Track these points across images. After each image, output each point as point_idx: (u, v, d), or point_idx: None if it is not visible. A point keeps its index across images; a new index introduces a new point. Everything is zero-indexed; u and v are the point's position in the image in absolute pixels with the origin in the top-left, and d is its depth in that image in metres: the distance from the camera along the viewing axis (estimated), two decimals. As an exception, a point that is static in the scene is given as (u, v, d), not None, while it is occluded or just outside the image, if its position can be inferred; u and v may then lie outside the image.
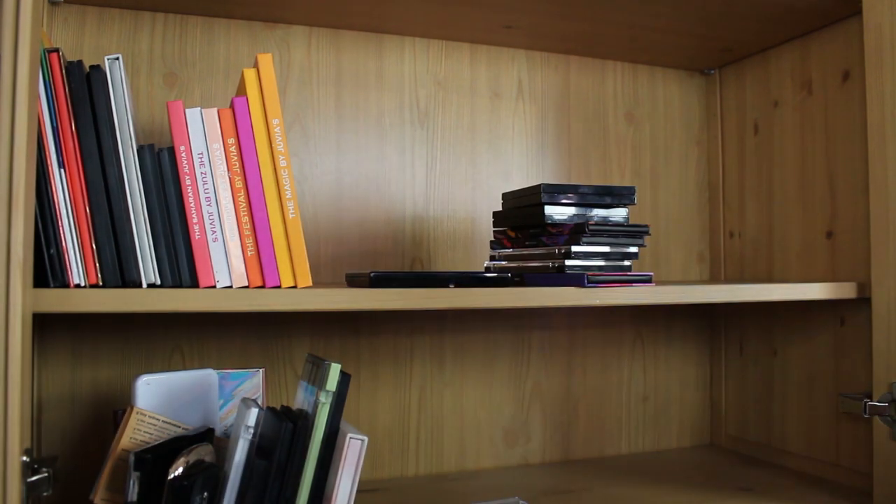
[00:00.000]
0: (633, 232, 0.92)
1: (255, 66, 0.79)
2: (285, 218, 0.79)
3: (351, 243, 1.15)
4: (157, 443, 0.78)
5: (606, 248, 0.91)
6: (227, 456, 0.76)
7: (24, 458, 0.62)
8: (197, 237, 0.77)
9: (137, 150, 0.75)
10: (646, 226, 0.93)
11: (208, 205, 0.77)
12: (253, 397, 0.93)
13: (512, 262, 1.02)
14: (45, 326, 0.99)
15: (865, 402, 1.01)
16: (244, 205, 0.78)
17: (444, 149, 1.21)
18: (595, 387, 1.30)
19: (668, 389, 1.36)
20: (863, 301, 1.05)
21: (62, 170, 0.72)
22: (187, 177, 0.77)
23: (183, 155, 0.77)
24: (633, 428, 1.33)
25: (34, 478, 0.63)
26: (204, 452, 0.76)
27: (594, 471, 1.20)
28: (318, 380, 0.78)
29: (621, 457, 1.30)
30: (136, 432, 0.78)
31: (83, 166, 0.73)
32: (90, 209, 0.73)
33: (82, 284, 0.73)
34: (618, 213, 0.96)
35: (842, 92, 1.12)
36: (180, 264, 0.76)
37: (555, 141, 1.29)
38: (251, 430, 0.75)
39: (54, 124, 0.72)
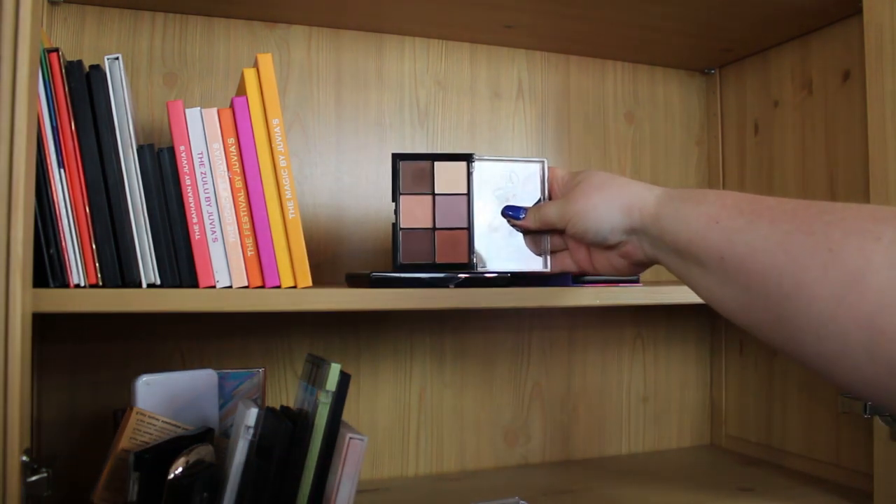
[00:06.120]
0: (633, 232, 0.92)
1: (255, 65, 0.79)
2: (285, 218, 0.79)
3: (351, 243, 1.15)
4: (157, 443, 0.78)
5: (606, 248, 0.91)
6: (227, 456, 0.76)
7: (24, 458, 0.62)
8: (197, 237, 0.76)
9: (137, 150, 0.75)
10: (646, 226, 0.93)
11: (208, 205, 0.77)
12: (253, 397, 0.93)
13: (512, 262, 1.01)
14: (45, 327, 0.99)
15: (865, 402, 1.01)
16: (244, 205, 0.78)
17: (444, 148, 1.21)
18: (595, 387, 1.30)
19: (668, 389, 1.36)
20: (863, 301, 1.05)
21: (62, 170, 0.72)
22: (187, 177, 0.77)
23: (183, 155, 0.77)
24: (633, 428, 1.32)
25: (34, 478, 0.63)
26: (204, 452, 0.76)
27: (594, 471, 1.20)
28: (318, 380, 0.78)
29: (621, 457, 1.30)
30: (136, 432, 0.78)
31: (83, 166, 0.73)
32: (90, 209, 0.73)
33: (82, 284, 0.72)
34: (618, 213, 0.96)
35: (842, 92, 1.12)
36: (180, 264, 0.76)
37: (555, 141, 1.29)
38: (251, 430, 0.75)
39: (54, 124, 0.72)
